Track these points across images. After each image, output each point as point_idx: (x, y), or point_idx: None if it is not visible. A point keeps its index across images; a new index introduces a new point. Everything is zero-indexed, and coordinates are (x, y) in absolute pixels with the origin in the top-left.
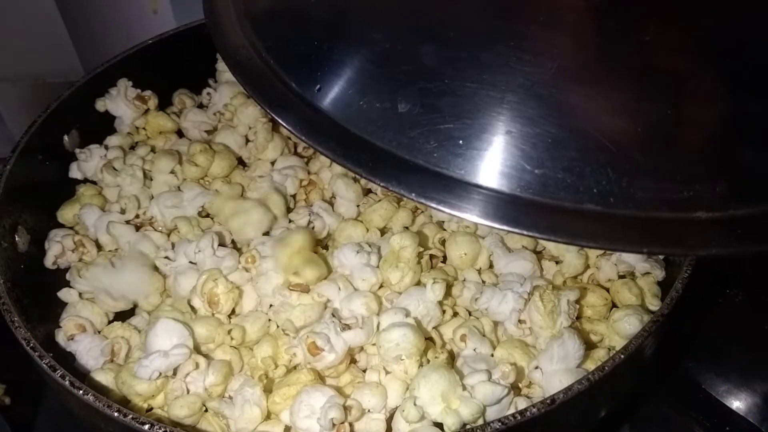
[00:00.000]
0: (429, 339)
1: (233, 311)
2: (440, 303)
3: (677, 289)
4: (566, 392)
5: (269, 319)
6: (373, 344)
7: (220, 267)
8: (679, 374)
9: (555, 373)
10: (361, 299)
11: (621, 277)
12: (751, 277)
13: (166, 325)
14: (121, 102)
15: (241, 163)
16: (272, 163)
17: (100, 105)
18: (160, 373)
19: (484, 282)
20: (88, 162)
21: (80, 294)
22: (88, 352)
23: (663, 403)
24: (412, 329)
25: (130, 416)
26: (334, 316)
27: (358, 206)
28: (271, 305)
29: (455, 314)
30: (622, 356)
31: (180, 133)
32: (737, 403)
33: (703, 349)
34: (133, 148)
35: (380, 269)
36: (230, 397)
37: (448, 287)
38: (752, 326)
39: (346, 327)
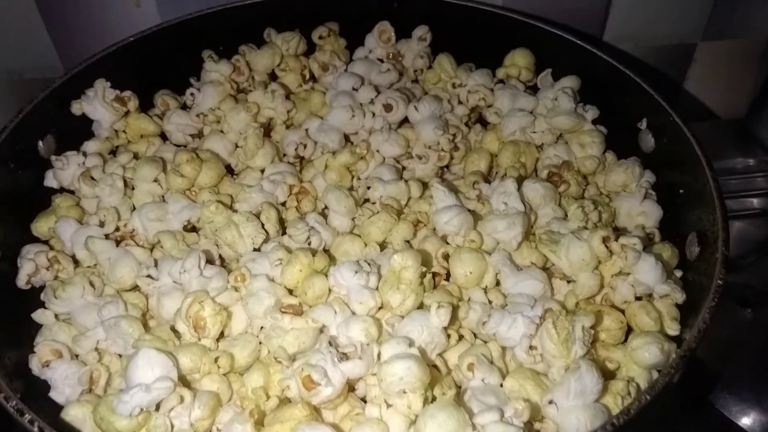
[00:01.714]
0: (434, 366)
1: (222, 334)
2: (445, 328)
3: (705, 320)
4: None
5: (260, 343)
6: (374, 374)
7: (207, 288)
8: (691, 394)
9: (571, 409)
10: (360, 325)
11: (638, 298)
12: (763, 293)
13: (147, 356)
14: (98, 104)
15: (228, 170)
16: (262, 171)
17: (77, 108)
18: (142, 409)
19: (491, 302)
20: (65, 170)
21: (56, 315)
22: (64, 380)
23: (675, 422)
24: (416, 361)
25: None
26: (330, 344)
27: (353, 219)
28: (262, 327)
29: (461, 338)
30: (648, 397)
31: (164, 137)
32: (749, 423)
33: (715, 367)
34: (113, 153)
35: (380, 291)
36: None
37: (454, 311)
38: (764, 342)
39: (344, 357)
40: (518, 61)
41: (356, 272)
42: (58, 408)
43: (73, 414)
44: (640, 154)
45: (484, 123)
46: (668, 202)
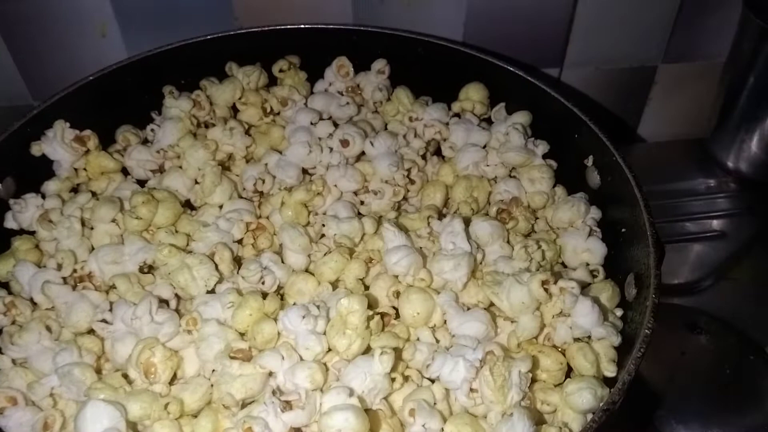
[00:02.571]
0: (380, 409)
1: (175, 376)
2: (389, 374)
3: (630, 372)
4: None
5: (212, 385)
6: (316, 421)
7: (158, 334)
8: (638, 418)
9: None
10: (306, 371)
11: (577, 339)
12: (717, 317)
13: (96, 408)
14: (58, 145)
15: (189, 205)
16: (220, 207)
17: (36, 149)
18: None
19: (438, 341)
20: (24, 213)
21: (13, 360)
22: (19, 427)
23: None
24: (354, 412)
25: None
26: (274, 394)
27: (308, 256)
28: (213, 370)
29: (406, 379)
30: None
31: (125, 172)
32: None
33: (663, 393)
34: (74, 190)
35: (327, 335)
36: None
37: (399, 351)
38: (714, 369)
39: (287, 406)
40: (472, 95)
41: (304, 317)
42: None
43: None
44: (588, 190)
45: (441, 154)
46: (613, 240)
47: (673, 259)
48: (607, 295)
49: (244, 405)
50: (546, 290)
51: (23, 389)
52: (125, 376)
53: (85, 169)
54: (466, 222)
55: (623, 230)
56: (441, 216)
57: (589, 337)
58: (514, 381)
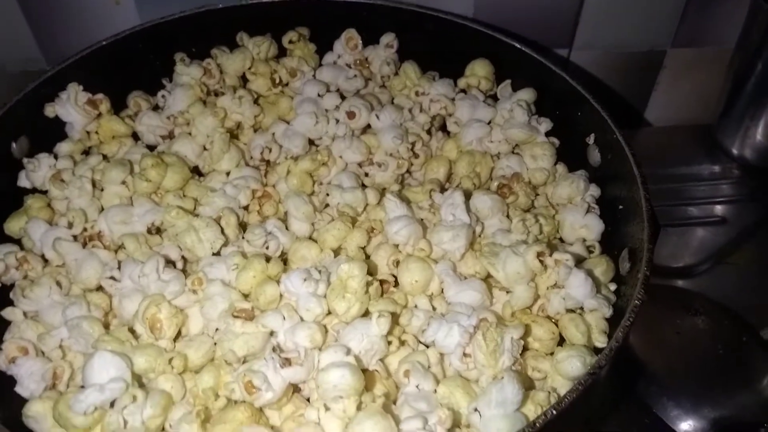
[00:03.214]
0: (376, 370)
1: (179, 333)
2: (385, 336)
3: (617, 339)
4: None
5: (215, 344)
6: (314, 378)
7: (164, 292)
8: (629, 396)
9: (493, 418)
10: (306, 331)
11: (570, 311)
12: (714, 300)
13: (103, 359)
14: (71, 107)
15: (198, 171)
16: (228, 174)
17: (50, 111)
18: (96, 407)
19: (434, 309)
20: (36, 172)
21: (24, 313)
22: (29, 376)
23: (611, 425)
24: (350, 370)
25: None
26: (274, 350)
27: (312, 224)
28: (216, 329)
29: (403, 343)
30: (554, 412)
31: (136, 137)
32: (686, 429)
33: (656, 372)
34: (86, 153)
35: (327, 299)
36: (170, 426)
37: (397, 316)
38: (709, 349)
39: (287, 363)
40: (478, 71)
41: (305, 280)
42: (24, 402)
43: (34, 410)
44: (589, 168)
45: (446, 130)
46: (610, 217)
47: (675, 242)
48: (601, 270)
49: (245, 362)
50: (541, 262)
51: (34, 340)
52: (132, 331)
53: (96, 132)
54: (467, 195)
55: (620, 207)
56: (443, 190)
57: (582, 308)
58: (506, 347)
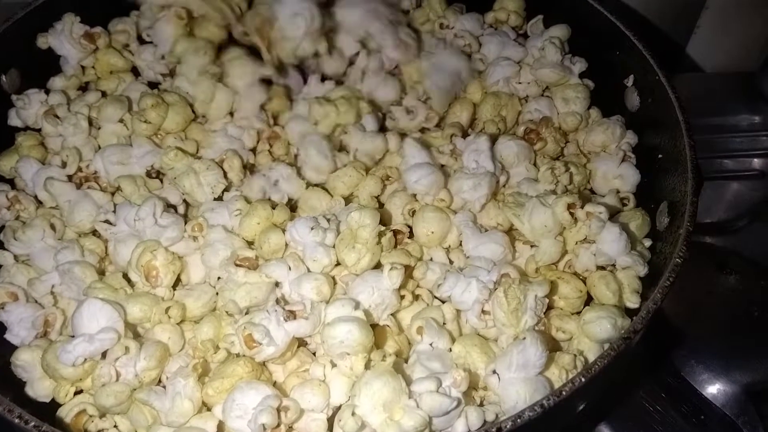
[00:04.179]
0: (387, 325)
1: (179, 281)
2: (398, 290)
3: (655, 301)
4: (515, 420)
5: (217, 293)
6: (319, 332)
7: (161, 237)
8: (658, 360)
9: (512, 381)
10: (312, 283)
11: (601, 267)
12: (749, 259)
13: (93, 307)
14: (66, 40)
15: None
16: (232, 115)
17: (42, 42)
18: (85, 359)
19: (451, 262)
20: (27, 109)
21: (15, 256)
22: (19, 323)
23: (640, 388)
24: (358, 325)
25: None
26: (278, 302)
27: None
28: (219, 278)
29: (417, 298)
30: (582, 379)
31: (136, 71)
32: (715, 393)
33: (685, 333)
34: (83, 89)
35: (336, 248)
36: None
37: (410, 269)
38: (741, 311)
39: (291, 316)
40: (507, 4)
41: (312, 228)
42: (13, 350)
43: (23, 359)
44: (626, 113)
45: None
46: (647, 167)
47: (709, 196)
48: (636, 224)
49: (247, 314)
50: (572, 214)
51: (24, 286)
52: (127, 278)
53: (93, 67)
54: (492, 140)
55: (660, 156)
56: (465, 135)
57: (614, 265)
58: (529, 305)
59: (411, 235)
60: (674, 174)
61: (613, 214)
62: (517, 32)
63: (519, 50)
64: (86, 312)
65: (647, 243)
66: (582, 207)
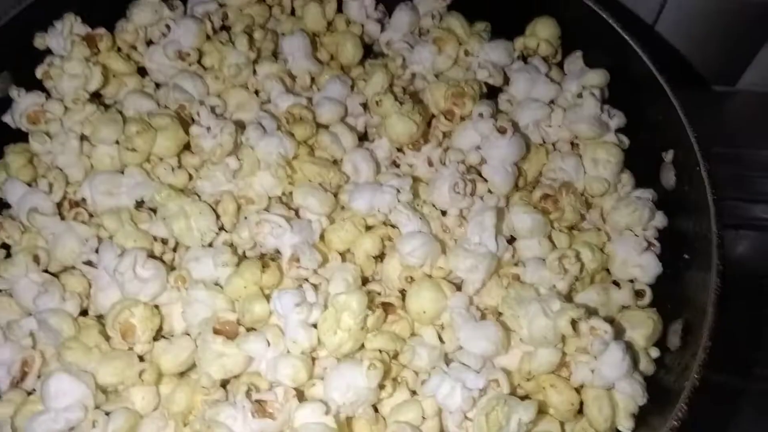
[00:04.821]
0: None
1: (161, 329)
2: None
3: None
4: None
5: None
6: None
7: (140, 293)
8: None
9: None
10: (289, 369)
11: None
12: None
13: (60, 383)
14: (65, 41)
15: None
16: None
17: (39, 42)
18: None
19: (443, 342)
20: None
21: None
22: None
23: None
24: None
25: None
26: (249, 392)
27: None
28: (199, 333)
29: (398, 384)
30: None
31: (142, 71)
32: None
33: None
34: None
35: (318, 328)
36: None
37: (396, 353)
38: None
39: (260, 411)
40: (540, 31)
41: (298, 305)
42: None
43: None
44: (659, 187)
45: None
46: (671, 259)
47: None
48: (645, 333)
49: (224, 383)
50: (574, 328)
51: (3, 325)
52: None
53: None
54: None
55: (686, 257)
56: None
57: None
58: (511, 429)
59: (404, 301)
60: (694, 287)
61: (621, 333)
62: (549, 63)
63: (551, 88)
64: (54, 387)
65: (654, 354)
66: (587, 319)
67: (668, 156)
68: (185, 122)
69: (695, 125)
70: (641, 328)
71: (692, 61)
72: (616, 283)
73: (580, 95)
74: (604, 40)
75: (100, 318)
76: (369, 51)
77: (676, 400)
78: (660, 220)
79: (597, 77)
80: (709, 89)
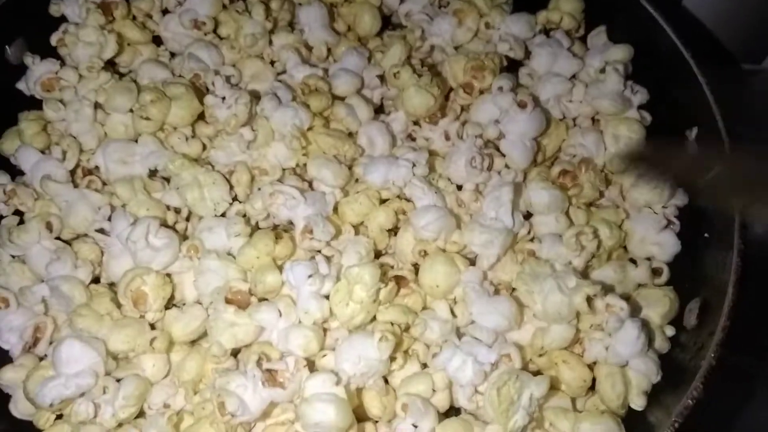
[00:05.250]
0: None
1: (173, 297)
2: (386, 359)
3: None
4: None
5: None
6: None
7: (153, 261)
8: None
9: None
10: (300, 339)
11: None
12: None
13: (71, 348)
14: (80, 9)
15: None
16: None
17: (55, 9)
18: (62, 400)
19: (455, 316)
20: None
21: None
22: (10, 330)
23: None
24: (335, 407)
25: None
26: (260, 362)
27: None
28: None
29: (409, 355)
30: None
31: (157, 40)
32: None
33: None
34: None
35: (330, 300)
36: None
37: (407, 326)
38: None
39: (270, 380)
40: (563, 5)
41: (310, 276)
42: (4, 352)
43: (7, 378)
44: None
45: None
46: (691, 237)
47: None
48: (661, 311)
49: (234, 352)
50: (590, 304)
51: (17, 289)
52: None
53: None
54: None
55: (706, 235)
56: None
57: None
58: (522, 404)
59: (416, 275)
60: (714, 266)
61: (636, 310)
62: (572, 37)
63: (573, 63)
64: (65, 353)
65: (670, 332)
66: (603, 296)
67: (692, 133)
68: (200, 92)
69: (721, 103)
70: (657, 306)
71: (718, 37)
72: (633, 261)
73: (603, 70)
74: (628, 15)
75: (111, 286)
76: (387, 22)
77: (691, 379)
78: (681, 198)
79: (621, 52)
80: (736, 67)
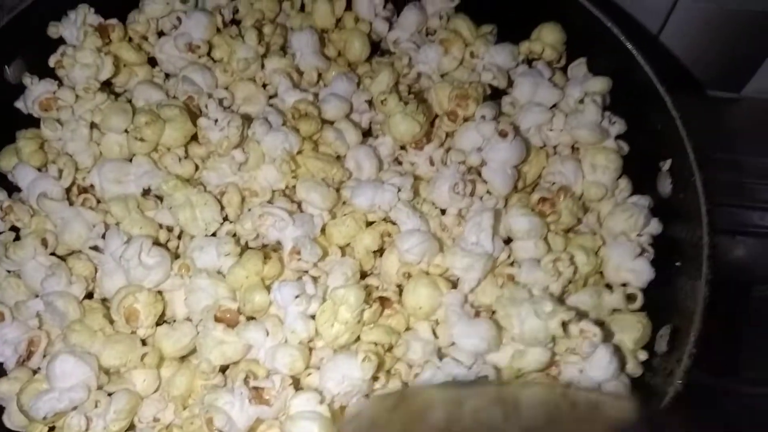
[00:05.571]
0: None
1: (163, 314)
2: (369, 378)
3: None
4: None
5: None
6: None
7: (145, 279)
8: None
9: None
10: (287, 358)
11: None
12: None
13: (65, 363)
14: (79, 31)
15: None
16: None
17: (53, 31)
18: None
19: (437, 337)
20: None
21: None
22: (4, 343)
23: None
24: (319, 424)
25: None
26: (246, 380)
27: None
28: (201, 319)
29: (391, 375)
30: None
31: (152, 61)
32: None
33: None
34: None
35: (316, 320)
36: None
37: (390, 347)
38: None
39: (257, 397)
40: (545, 36)
41: (297, 297)
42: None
43: (1, 390)
44: (655, 195)
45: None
46: (663, 266)
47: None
48: (634, 336)
49: (223, 369)
50: (564, 329)
51: (12, 303)
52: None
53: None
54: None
55: (677, 264)
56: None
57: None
58: None
59: (400, 295)
60: (684, 295)
61: (609, 336)
62: (553, 68)
63: (554, 93)
64: (59, 368)
65: (642, 357)
66: (578, 322)
67: (665, 165)
68: (193, 114)
69: (694, 135)
70: (631, 331)
71: (697, 67)
72: (608, 287)
73: (582, 101)
74: (607, 48)
75: (105, 301)
76: (376, 48)
77: (660, 402)
78: (655, 226)
79: (600, 84)
80: (714, 96)
